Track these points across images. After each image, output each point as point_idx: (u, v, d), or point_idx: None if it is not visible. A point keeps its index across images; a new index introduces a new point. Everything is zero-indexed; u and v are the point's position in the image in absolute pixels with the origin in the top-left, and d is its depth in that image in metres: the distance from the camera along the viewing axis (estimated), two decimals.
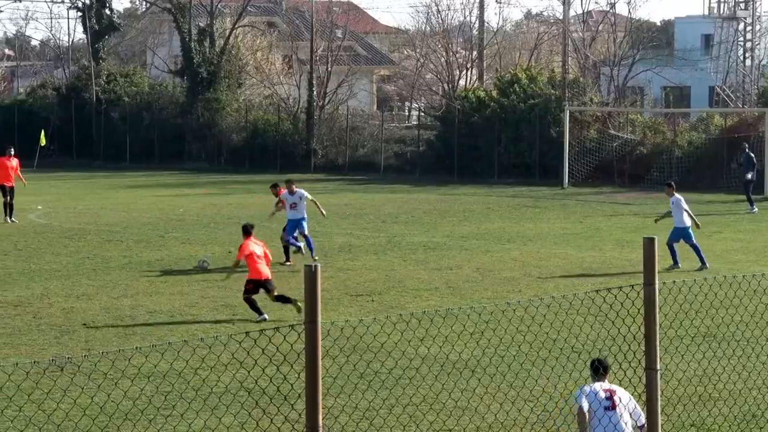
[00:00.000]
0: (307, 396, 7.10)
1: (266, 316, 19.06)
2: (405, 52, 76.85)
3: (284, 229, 26.24)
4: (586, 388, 10.45)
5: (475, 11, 67.84)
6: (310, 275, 7.14)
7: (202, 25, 64.61)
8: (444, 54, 66.18)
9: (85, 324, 18.57)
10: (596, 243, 29.57)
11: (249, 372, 12.84)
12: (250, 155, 59.22)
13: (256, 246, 19.78)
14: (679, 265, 24.79)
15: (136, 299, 20.93)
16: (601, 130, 51.92)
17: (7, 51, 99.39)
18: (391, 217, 36.14)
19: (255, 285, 19.34)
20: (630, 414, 10.35)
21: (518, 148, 52.27)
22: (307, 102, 60.51)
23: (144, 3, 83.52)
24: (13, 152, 34.53)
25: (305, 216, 26.44)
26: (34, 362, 14.44)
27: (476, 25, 67.70)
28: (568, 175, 48.93)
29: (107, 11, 69.78)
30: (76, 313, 19.48)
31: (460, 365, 14.92)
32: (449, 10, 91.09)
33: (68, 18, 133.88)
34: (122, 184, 48.97)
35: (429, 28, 71.57)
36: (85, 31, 69.73)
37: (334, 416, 12.85)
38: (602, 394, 10.35)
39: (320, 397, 7.04)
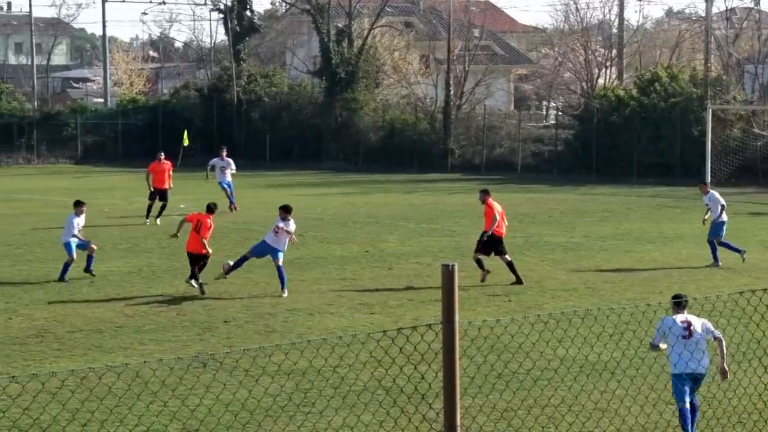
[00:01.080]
0: (444, 395, 7.09)
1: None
2: (543, 51, 76.31)
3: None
4: (668, 320, 12.30)
5: (615, 9, 67.11)
6: (448, 274, 7.13)
7: (340, 25, 65.14)
8: (582, 52, 65.50)
9: (226, 321, 18.88)
10: (739, 244, 28.93)
11: (387, 370, 12.90)
12: (387, 155, 59.49)
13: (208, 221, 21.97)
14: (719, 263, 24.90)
15: (275, 296, 21.19)
16: (745, 129, 50.82)
17: (151, 53, 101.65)
18: (528, 217, 35.92)
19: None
20: (704, 335, 12.20)
21: (658, 148, 51.48)
22: (444, 101, 60.53)
23: (284, 4, 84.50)
24: (163, 156, 35.28)
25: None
26: (178, 358, 14.73)
27: (616, 23, 66.93)
28: (710, 175, 47.98)
29: (248, 13, 70.84)
30: (217, 311, 19.82)
31: (599, 367, 14.75)
32: (588, 8, 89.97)
33: (210, 20, 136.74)
34: (262, 184, 49.62)
35: (567, 27, 70.98)
36: (226, 32, 70.91)
37: (472, 416, 12.82)
38: (680, 325, 12.18)
39: (458, 396, 7.04)
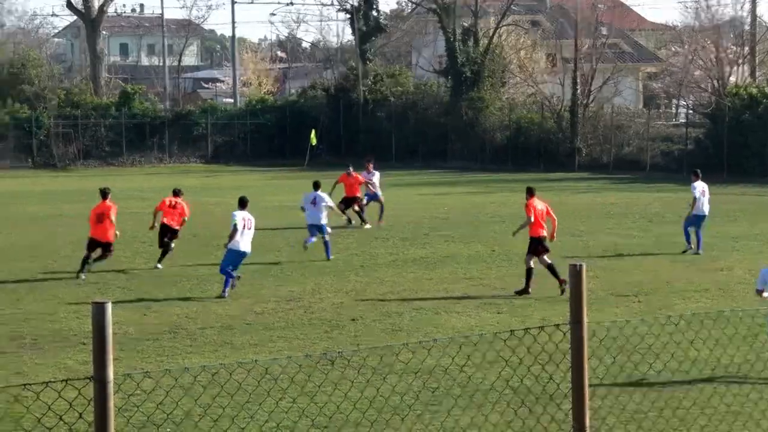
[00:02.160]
0: (573, 396, 7.04)
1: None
2: (672, 49, 75.15)
3: None
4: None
5: (747, 5, 65.76)
6: (575, 274, 7.07)
7: (466, 24, 65.07)
8: (713, 50, 64.34)
9: (353, 319, 19.01)
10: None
11: (515, 370, 12.84)
12: (513, 154, 59.27)
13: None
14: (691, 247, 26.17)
15: (402, 295, 21.26)
16: None
17: (279, 53, 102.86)
18: (657, 216, 35.42)
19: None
20: None
21: None
22: (570, 100, 60.07)
23: (410, 4, 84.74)
24: (352, 170, 33.63)
25: None
26: (307, 355, 14.86)
27: (748, 20, 65.58)
28: None
29: (374, 13, 71.24)
30: (345, 309, 19.96)
31: (732, 369, 14.48)
32: (719, 4, 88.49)
33: (337, 20, 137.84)
34: (388, 183, 49.78)
35: (698, 24, 69.78)
36: (353, 32, 71.44)
37: (602, 417, 12.69)
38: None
39: (587, 397, 6.97)
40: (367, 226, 32.37)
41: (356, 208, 32.75)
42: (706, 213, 27.30)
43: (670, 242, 28.85)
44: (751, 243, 28.58)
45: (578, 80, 59.72)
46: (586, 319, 7.08)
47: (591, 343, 9.86)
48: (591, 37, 63.54)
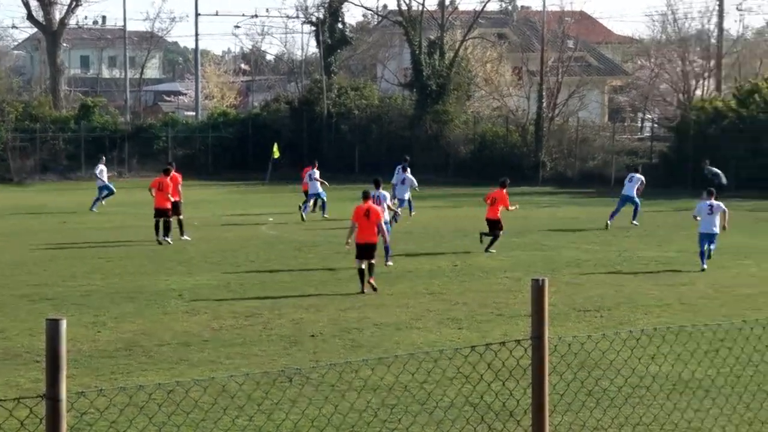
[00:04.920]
0: (533, 412, 7.05)
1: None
2: (639, 62, 75.68)
3: None
4: (702, 203, 23.03)
5: (714, 19, 66.48)
6: (538, 289, 7.09)
7: (432, 37, 65.27)
8: (680, 63, 64.87)
9: (312, 335, 18.96)
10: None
11: (475, 387, 12.85)
12: (477, 167, 59.41)
13: None
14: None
15: (363, 311, 21.25)
16: None
17: (243, 66, 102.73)
18: (621, 231, 35.59)
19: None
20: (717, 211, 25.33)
21: (757, 161, 50.74)
22: (536, 114, 60.33)
23: (376, 17, 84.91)
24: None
25: None
26: (264, 372, 14.81)
27: (715, 33, 66.15)
28: None
29: (340, 25, 71.32)
30: (304, 325, 19.92)
31: (693, 384, 14.54)
32: (686, 18, 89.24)
33: (302, 33, 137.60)
34: (350, 197, 49.82)
35: (664, 37, 70.36)
36: (318, 45, 71.44)
37: None
38: (706, 205, 25.47)
39: (547, 413, 6.99)
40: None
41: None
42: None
43: (634, 257, 29.00)
44: (714, 257, 28.73)
45: (544, 93, 60.01)
46: (547, 335, 7.10)
47: (552, 358, 9.88)
48: (557, 50, 63.88)
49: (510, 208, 30.88)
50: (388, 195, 28.67)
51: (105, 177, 45.01)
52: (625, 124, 72.25)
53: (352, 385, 14.31)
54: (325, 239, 33.09)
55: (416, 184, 39.87)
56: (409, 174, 39.71)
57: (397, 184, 39.84)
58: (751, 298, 22.37)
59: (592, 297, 22.57)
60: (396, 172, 40.67)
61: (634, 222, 37.10)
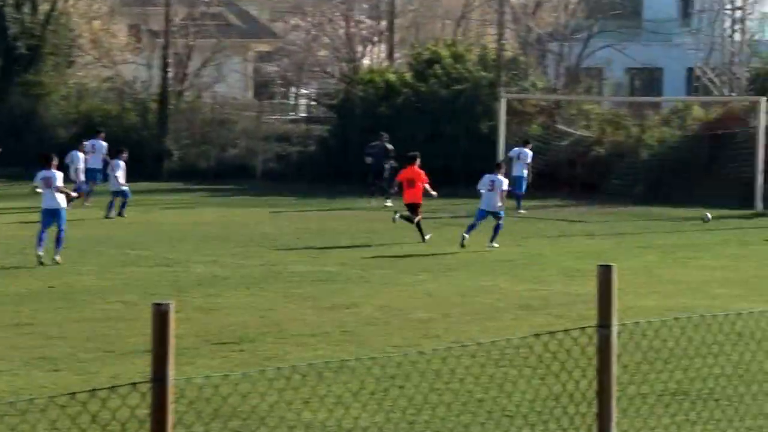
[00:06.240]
0: None
1: None
2: (291, 22, 76.81)
3: None
4: (486, 176, 33.60)
5: None
6: (160, 317, 7.10)
7: None
8: (343, 24, 66.27)
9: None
10: (537, 273, 29.84)
11: None
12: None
13: None
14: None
15: None
16: (547, 124, 52.48)
17: None
18: (269, 239, 36.08)
19: None
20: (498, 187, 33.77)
21: (438, 147, 52.44)
22: (160, 87, 60.23)
23: None
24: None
25: None
26: None
27: None
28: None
29: None
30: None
31: None
32: None
33: None
34: None
35: None
36: None
37: None
38: (488, 180, 33.91)
39: None
40: None
41: None
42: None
43: (285, 272, 29.44)
44: (384, 272, 29.58)
45: (170, 60, 60.01)
46: (171, 375, 7.12)
47: (178, 406, 9.88)
48: (187, 4, 63.99)
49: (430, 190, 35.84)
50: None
51: None
52: (275, 101, 73.22)
53: None
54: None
55: None
56: None
57: None
58: (429, 323, 23.13)
59: (230, 325, 22.75)
60: None
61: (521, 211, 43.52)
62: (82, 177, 45.41)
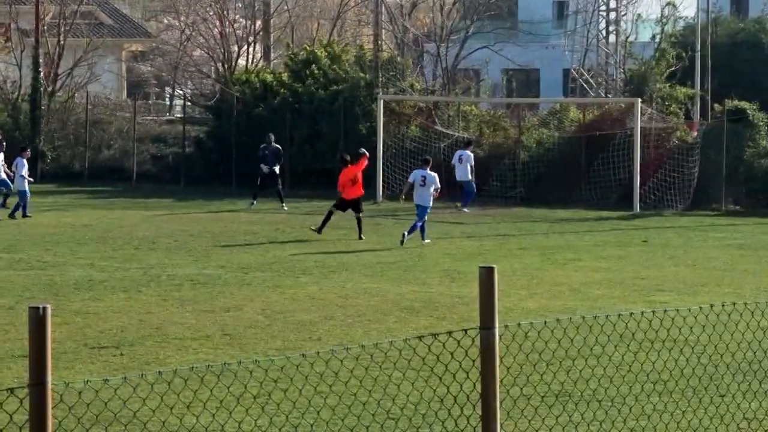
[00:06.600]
0: None
1: None
2: (165, 21, 76.43)
3: None
4: (416, 171, 36.53)
5: None
6: (37, 320, 7.04)
7: None
8: (218, 24, 66.09)
9: None
10: (419, 275, 29.97)
11: None
12: None
13: None
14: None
15: None
16: (425, 125, 52.67)
17: None
18: (146, 242, 35.89)
19: None
20: (430, 183, 35.91)
21: (316, 149, 52.55)
22: (31, 87, 59.62)
23: None
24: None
25: None
26: None
27: None
28: (383, 186, 49.43)
29: None
30: None
31: None
32: None
33: None
34: None
35: None
36: None
37: None
38: (420, 175, 36.22)
39: None
40: None
41: None
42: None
43: (163, 275, 29.33)
44: (265, 275, 29.58)
45: (41, 60, 59.41)
46: (50, 380, 7.06)
47: (57, 411, 9.80)
48: (58, 2, 63.41)
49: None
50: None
51: None
52: (150, 101, 72.81)
53: None
54: None
55: None
56: None
57: None
58: (311, 326, 23.17)
59: (109, 329, 22.61)
60: None
61: (465, 210, 45.73)
62: None
